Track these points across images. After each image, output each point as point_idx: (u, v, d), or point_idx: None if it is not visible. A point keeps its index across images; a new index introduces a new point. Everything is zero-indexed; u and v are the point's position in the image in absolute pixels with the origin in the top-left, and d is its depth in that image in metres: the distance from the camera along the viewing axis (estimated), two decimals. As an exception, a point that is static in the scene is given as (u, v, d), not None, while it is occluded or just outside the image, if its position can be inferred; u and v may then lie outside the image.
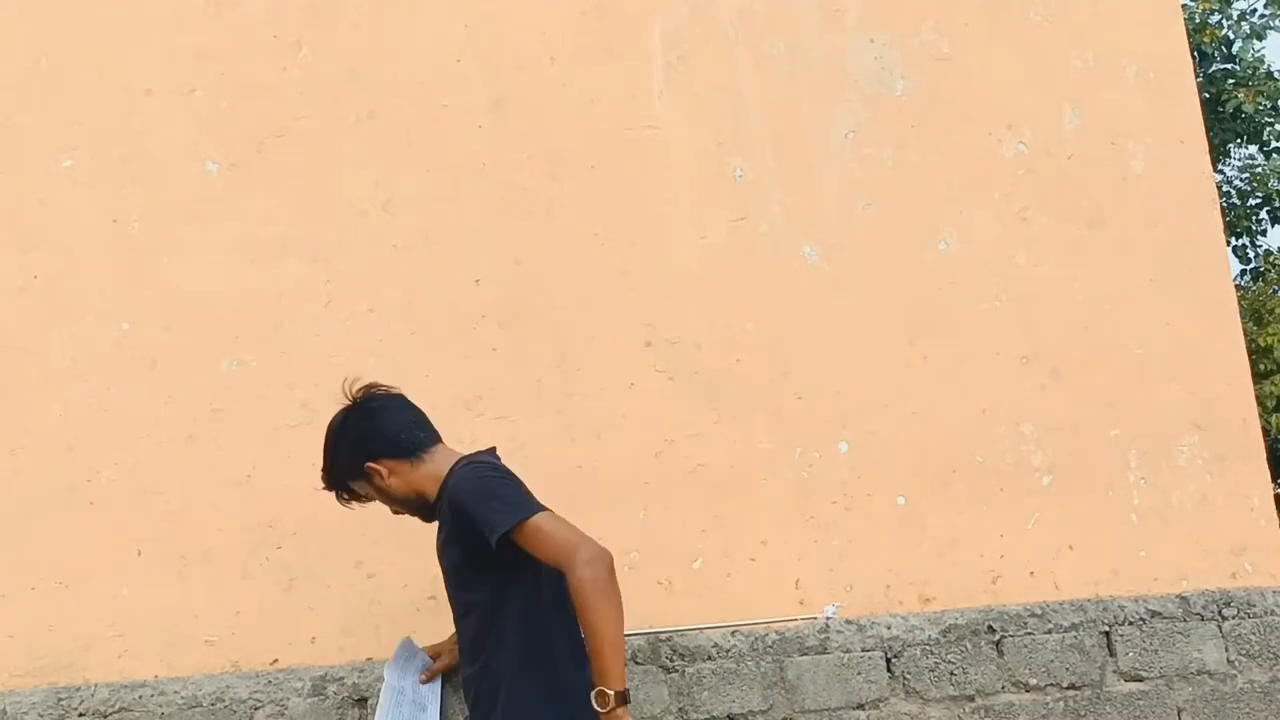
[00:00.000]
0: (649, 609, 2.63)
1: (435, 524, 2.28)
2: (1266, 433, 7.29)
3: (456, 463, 2.24)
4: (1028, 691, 2.56)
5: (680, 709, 2.55)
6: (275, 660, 2.64)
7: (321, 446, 2.31)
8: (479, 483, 2.15)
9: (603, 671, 1.93)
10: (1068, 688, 2.58)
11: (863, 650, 2.52)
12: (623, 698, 1.93)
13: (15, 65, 2.93)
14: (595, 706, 1.93)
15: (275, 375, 2.81)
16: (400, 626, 2.68)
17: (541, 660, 2.10)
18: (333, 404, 2.76)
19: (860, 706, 2.48)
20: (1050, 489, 2.93)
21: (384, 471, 2.23)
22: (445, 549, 2.22)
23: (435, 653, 2.47)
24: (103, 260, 2.84)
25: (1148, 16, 3.27)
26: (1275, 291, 9.55)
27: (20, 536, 2.67)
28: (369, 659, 2.61)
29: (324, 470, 2.31)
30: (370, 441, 2.25)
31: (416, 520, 2.72)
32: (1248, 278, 9.86)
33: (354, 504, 2.33)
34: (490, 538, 2.04)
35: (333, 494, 2.32)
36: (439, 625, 2.67)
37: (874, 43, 3.15)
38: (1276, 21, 9.40)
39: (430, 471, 2.25)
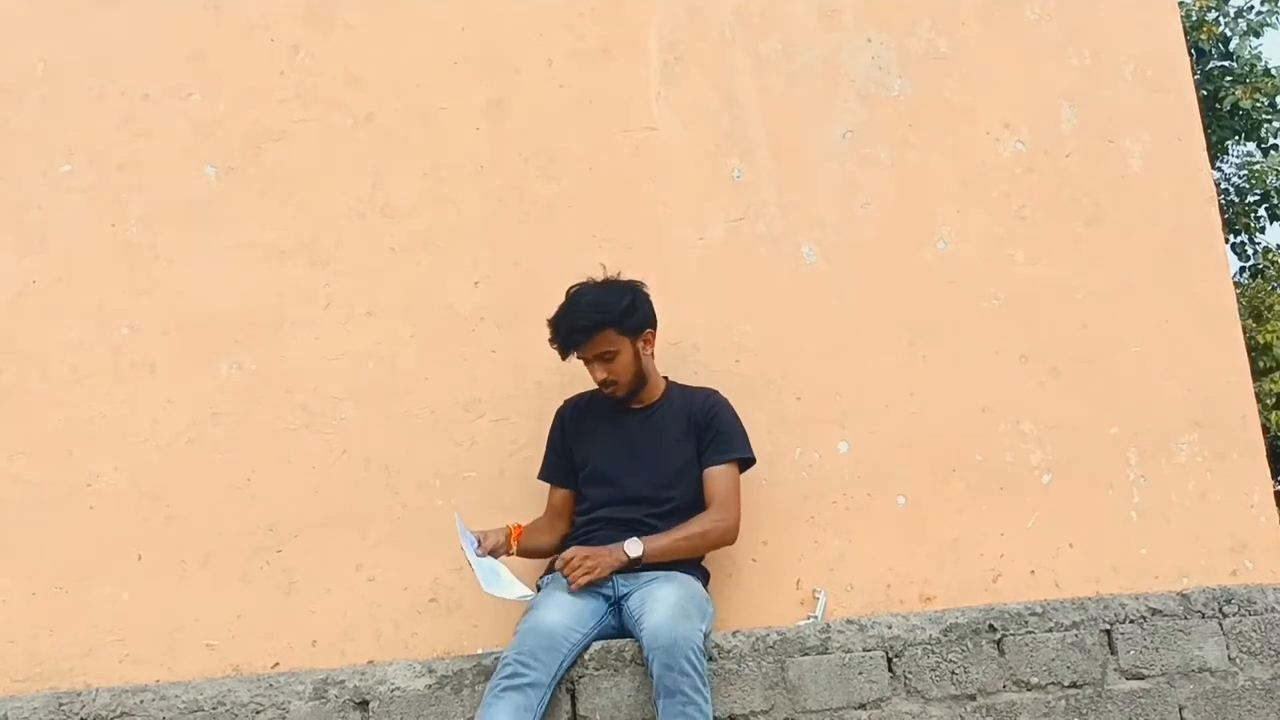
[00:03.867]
0: (650, 610, 2.62)
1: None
2: (1266, 430, 7.29)
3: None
4: (1029, 690, 2.56)
5: (682, 710, 2.54)
6: (276, 664, 2.64)
7: (585, 300, 2.56)
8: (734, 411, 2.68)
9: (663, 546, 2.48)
10: (1069, 686, 2.58)
11: (864, 650, 2.51)
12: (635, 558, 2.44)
13: (13, 71, 2.94)
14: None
15: (274, 378, 2.81)
16: (401, 629, 2.69)
17: None
18: (332, 407, 2.78)
19: (862, 706, 2.47)
20: (1050, 487, 2.92)
21: (650, 340, 2.65)
22: (678, 441, 2.60)
23: (482, 535, 2.50)
24: (101, 265, 2.84)
25: (1144, 14, 3.27)
26: (1274, 288, 9.55)
27: (20, 541, 2.68)
28: (370, 661, 2.61)
29: (603, 313, 2.53)
30: (651, 314, 2.65)
31: (416, 523, 2.73)
32: (1246, 275, 9.84)
33: (597, 359, 2.56)
34: (726, 457, 2.61)
35: (584, 339, 2.53)
36: (440, 627, 2.69)
37: (871, 42, 3.16)
38: (1273, 18, 9.39)
39: (654, 365, 2.70)
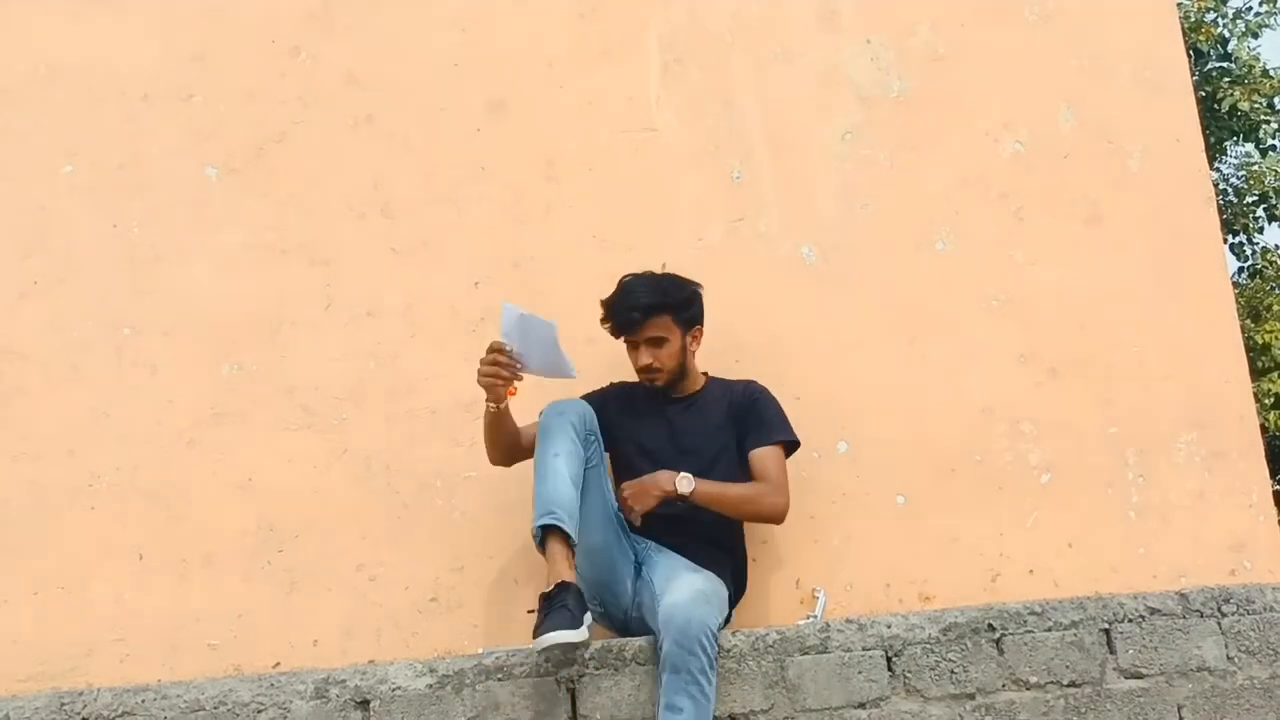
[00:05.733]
0: (650, 609, 2.63)
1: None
2: (1264, 430, 7.31)
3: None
4: (1028, 689, 2.56)
5: (682, 709, 2.54)
6: (277, 663, 2.64)
7: (646, 283, 2.63)
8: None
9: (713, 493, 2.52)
10: (1068, 685, 2.58)
11: (863, 649, 2.52)
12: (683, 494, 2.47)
13: (14, 72, 2.94)
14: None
15: (275, 379, 2.82)
16: (402, 628, 2.69)
17: None
18: (333, 407, 2.79)
19: (861, 705, 2.47)
20: (1049, 487, 2.93)
21: (698, 338, 2.71)
22: (719, 429, 2.64)
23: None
24: (103, 265, 2.85)
25: (1143, 15, 3.27)
26: (1272, 289, 9.56)
27: (22, 541, 2.68)
28: (371, 661, 2.62)
29: (664, 297, 2.61)
30: (703, 313, 2.72)
31: (417, 523, 2.73)
32: (1245, 275, 9.85)
33: (647, 342, 2.61)
34: (772, 439, 2.62)
35: (640, 318, 2.59)
36: (441, 626, 2.69)
37: (870, 43, 3.16)
38: (1272, 20, 9.40)
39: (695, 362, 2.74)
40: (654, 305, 2.60)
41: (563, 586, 2.29)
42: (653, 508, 2.46)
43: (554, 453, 2.42)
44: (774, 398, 2.71)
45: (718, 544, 2.61)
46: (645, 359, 2.61)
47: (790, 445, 2.67)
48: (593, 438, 2.51)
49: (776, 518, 2.61)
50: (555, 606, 2.25)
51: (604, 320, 2.64)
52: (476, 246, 2.94)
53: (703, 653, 2.24)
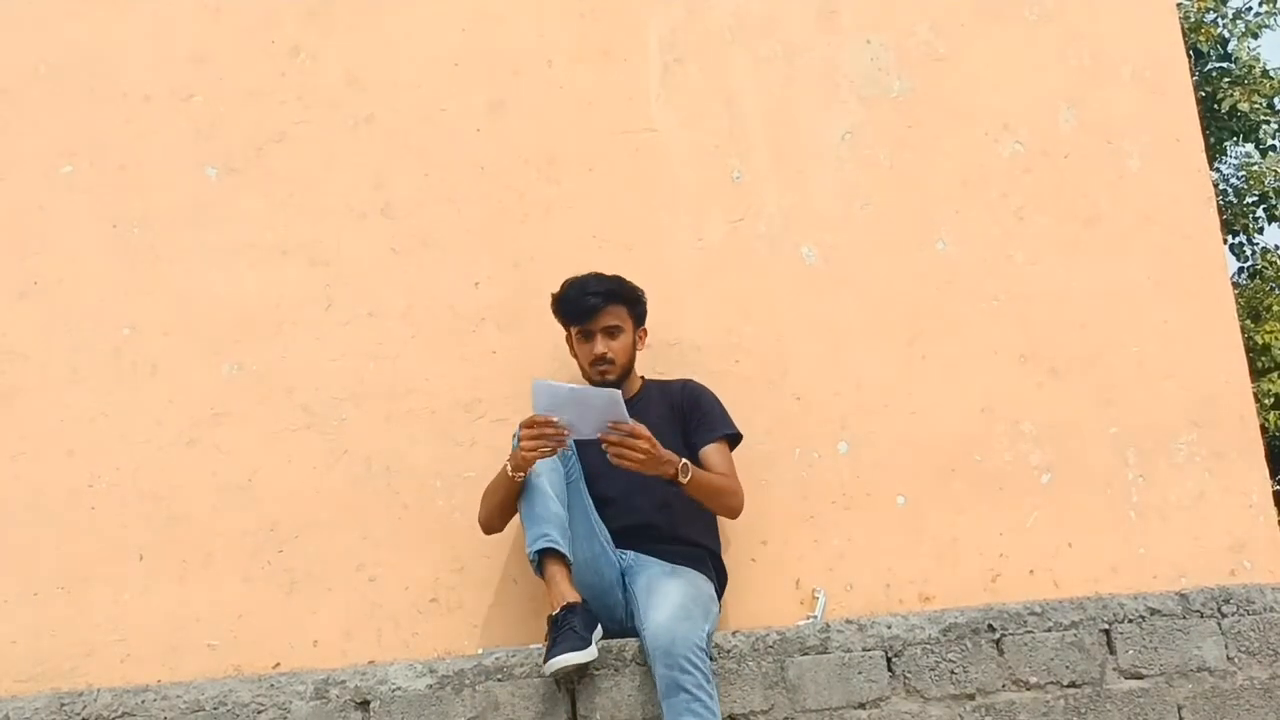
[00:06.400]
0: (650, 610, 2.63)
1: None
2: (1264, 430, 7.31)
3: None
4: (1028, 690, 2.57)
5: (682, 709, 2.55)
6: (277, 664, 2.64)
7: (599, 275, 2.67)
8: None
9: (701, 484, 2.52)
10: (1068, 685, 2.58)
11: (863, 650, 2.52)
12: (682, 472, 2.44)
13: (14, 72, 2.95)
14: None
15: (275, 379, 2.82)
16: (401, 629, 2.69)
17: None
18: (333, 407, 2.79)
19: (861, 706, 2.48)
20: (1049, 487, 2.93)
21: (643, 338, 2.74)
22: (662, 429, 2.55)
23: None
24: (103, 265, 2.85)
25: (1143, 15, 3.27)
26: (1272, 289, 9.56)
27: (22, 542, 2.68)
28: (371, 661, 2.62)
29: (621, 287, 2.65)
30: (646, 315, 2.75)
31: (416, 523, 2.73)
32: (1245, 275, 9.85)
33: (603, 332, 2.61)
34: (715, 435, 2.64)
35: (600, 307, 2.60)
36: (441, 626, 2.69)
37: (870, 43, 3.16)
38: (1272, 20, 9.40)
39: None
40: (611, 293, 2.63)
41: (569, 609, 2.31)
42: (643, 472, 2.41)
43: (536, 472, 2.43)
44: (712, 393, 2.72)
45: (695, 543, 2.61)
46: (600, 348, 2.61)
47: (734, 439, 2.68)
48: (569, 453, 2.50)
49: (739, 509, 2.61)
50: (563, 630, 2.27)
51: (557, 310, 2.66)
52: (476, 246, 2.94)
53: (694, 669, 2.23)
